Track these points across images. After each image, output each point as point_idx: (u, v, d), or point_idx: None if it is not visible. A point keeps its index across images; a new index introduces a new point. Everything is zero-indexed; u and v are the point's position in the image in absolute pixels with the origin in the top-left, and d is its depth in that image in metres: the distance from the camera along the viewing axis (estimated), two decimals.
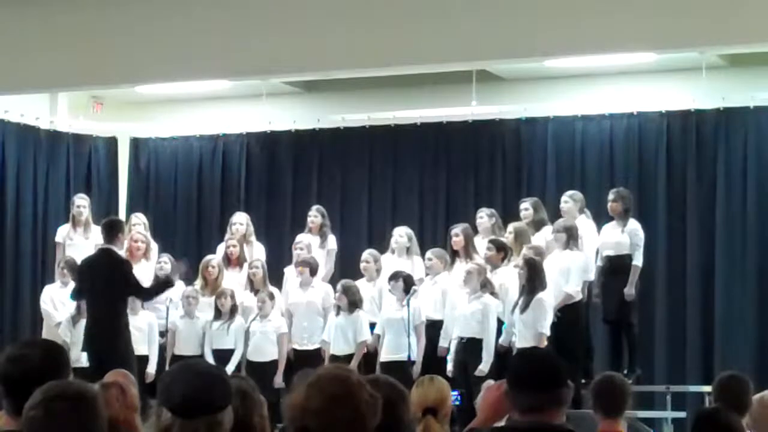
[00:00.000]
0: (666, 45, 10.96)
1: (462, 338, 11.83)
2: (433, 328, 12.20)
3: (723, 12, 10.33)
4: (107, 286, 11.47)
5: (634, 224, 12.22)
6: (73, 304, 12.84)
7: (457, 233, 12.53)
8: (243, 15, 11.54)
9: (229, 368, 12.18)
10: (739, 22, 10.38)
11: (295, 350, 12.65)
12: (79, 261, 13.25)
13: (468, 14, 10.85)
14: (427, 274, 12.53)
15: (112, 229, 11.82)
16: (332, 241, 13.50)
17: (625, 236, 12.12)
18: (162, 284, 12.24)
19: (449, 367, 11.74)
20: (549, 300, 11.51)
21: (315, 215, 13.48)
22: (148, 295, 12.09)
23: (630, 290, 12.07)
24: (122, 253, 12.97)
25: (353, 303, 12.35)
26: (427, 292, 12.36)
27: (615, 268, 12.15)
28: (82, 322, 12.59)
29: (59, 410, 3.45)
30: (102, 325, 11.45)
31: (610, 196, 12.33)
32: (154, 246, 13.58)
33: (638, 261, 12.15)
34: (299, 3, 11.50)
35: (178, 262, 12.82)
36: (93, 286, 11.68)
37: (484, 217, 12.80)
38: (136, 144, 16.46)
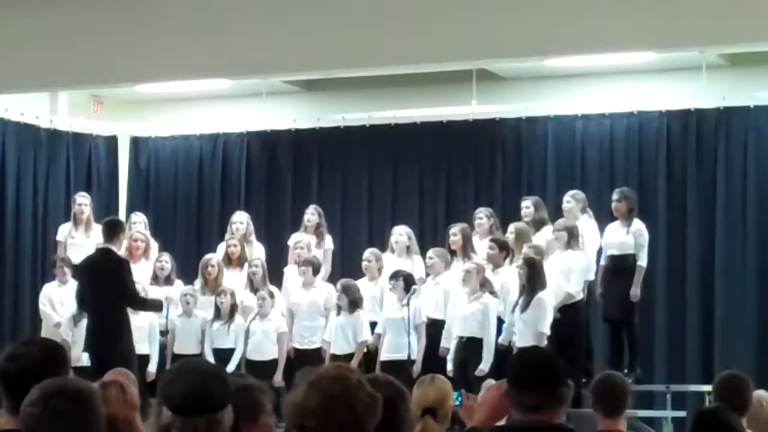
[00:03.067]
0: (666, 44, 10.97)
1: (462, 338, 11.83)
2: (434, 327, 12.20)
3: (723, 11, 10.33)
4: (107, 285, 11.45)
5: (638, 224, 12.20)
6: (74, 302, 12.84)
7: (455, 233, 12.53)
8: (243, 14, 11.54)
9: (230, 368, 12.18)
10: (740, 22, 10.38)
11: (295, 349, 12.65)
12: (78, 260, 13.27)
13: (468, 13, 10.85)
14: (428, 274, 12.53)
15: (112, 229, 11.80)
16: (329, 241, 13.50)
17: (629, 236, 12.10)
18: (154, 305, 12.13)
19: (449, 366, 11.74)
20: (549, 299, 11.51)
21: (312, 214, 13.48)
22: (139, 305, 11.97)
23: (635, 291, 12.07)
24: (121, 252, 12.99)
25: (353, 302, 12.35)
26: (429, 291, 12.36)
27: (618, 267, 12.14)
28: (84, 322, 12.59)
29: (57, 407, 3.45)
30: (103, 324, 11.43)
31: (615, 196, 12.31)
32: (154, 245, 13.58)
33: (643, 261, 12.14)
34: (299, 2, 11.50)
35: (168, 299, 12.68)
36: (93, 286, 11.66)
37: (483, 217, 12.80)
38: (136, 143, 16.46)
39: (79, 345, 12.41)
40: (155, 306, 12.20)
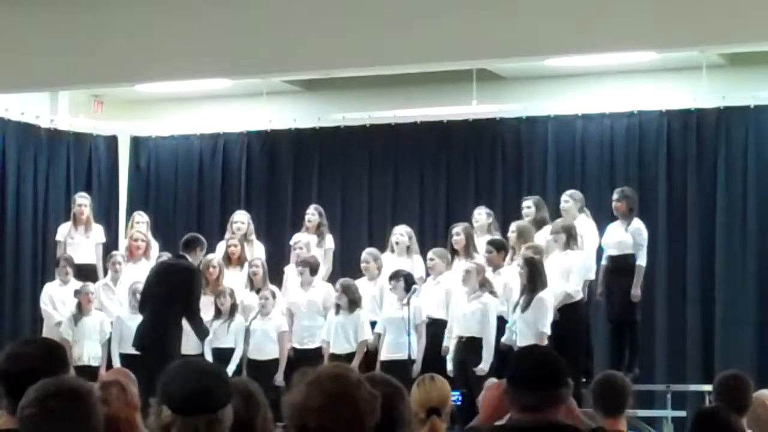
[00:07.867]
0: (666, 44, 10.96)
1: (461, 337, 11.83)
2: (436, 326, 12.20)
3: (723, 11, 10.33)
4: (170, 288, 11.49)
5: (637, 224, 12.21)
6: (74, 302, 12.86)
7: (458, 232, 12.54)
8: (243, 14, 11.53)
9: (230, 368, 12.18)
10: (740, 21, 10.38)
11: (295, 349, 12.65)
12: (78, 260, 13.30)
13: (468, 13, 10.85)
14: (429, 274, 12.53)
15: (190, 244, 11.96)
16: (330, 241, 13.51)
17: (628, 236, 12.12)
18: (200, 329, 11.93)
19: (449, 366, 11.74)
20: (550, 299, 11.51)
21: (313, 214, 13.48)
22: (192, 318, 11.76)
23: (636, 291, 12.07)
24: (123, 252, 13.02)
25: (353, 302, 12.35)
26: (430, 291, 12.36)
27: (618, 267, 12.15)
28: (84, 321, 12.61)
29: (55, 408, 3.45)
30: (155, 325, 11.44)
31: (615, 196, 12.33)
32: (155, 245, 13.59)
33: (642, 261, 12.14)
34: (299, 2, 11.49)
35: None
36: (155, 286, 11.73)
37: (483, 213, 12.82)
38: (136, 143, 16.46)
39: (78, 344, 12.42)
40: (201, 330, 11.97)
